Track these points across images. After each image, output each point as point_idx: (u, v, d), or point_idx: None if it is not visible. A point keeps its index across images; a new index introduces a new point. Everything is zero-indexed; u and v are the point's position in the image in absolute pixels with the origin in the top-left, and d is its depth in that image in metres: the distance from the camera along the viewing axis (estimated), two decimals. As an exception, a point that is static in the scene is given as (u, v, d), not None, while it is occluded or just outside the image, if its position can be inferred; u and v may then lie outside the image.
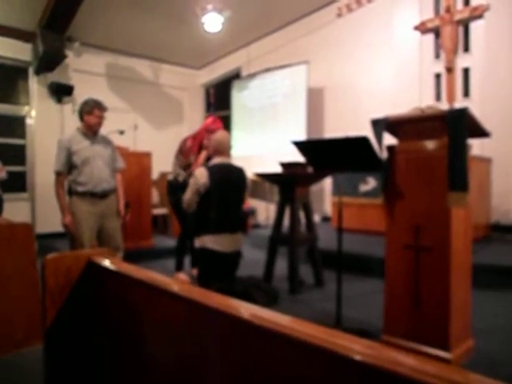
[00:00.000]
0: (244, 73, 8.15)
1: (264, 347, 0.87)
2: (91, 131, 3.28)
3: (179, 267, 4.26)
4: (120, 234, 3.42)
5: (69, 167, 3.21)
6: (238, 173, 3.28)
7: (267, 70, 7.26)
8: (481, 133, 2.39)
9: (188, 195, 3.12)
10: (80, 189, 3.19)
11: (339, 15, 6.68)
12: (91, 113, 3.25)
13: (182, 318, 1.11)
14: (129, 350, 1.37)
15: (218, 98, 8.21)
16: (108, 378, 1.51)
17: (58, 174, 3.22)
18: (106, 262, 1.48)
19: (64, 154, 3.18)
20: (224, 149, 3.25)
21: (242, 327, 0.91)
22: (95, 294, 1.54)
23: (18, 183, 6.74)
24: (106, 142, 3.43)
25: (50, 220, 6.60)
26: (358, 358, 0.69)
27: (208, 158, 3.66)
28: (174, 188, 4.21)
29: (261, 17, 6.97)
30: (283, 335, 0.82)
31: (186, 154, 4.20)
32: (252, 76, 7.63)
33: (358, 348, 0.72)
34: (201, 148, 4.17)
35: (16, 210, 6.20)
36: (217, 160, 3.22)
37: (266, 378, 0.88)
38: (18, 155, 6.79)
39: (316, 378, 0.77)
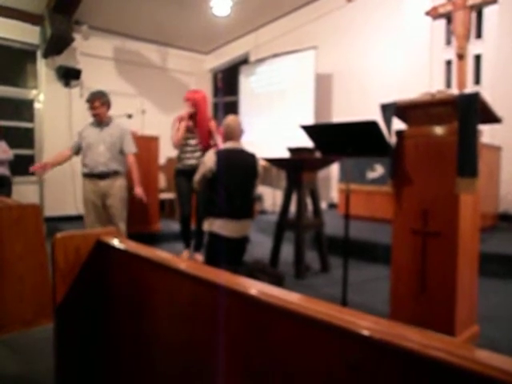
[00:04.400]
0: (252, 58, 8.08)
1: (271, 324, 0.88)
2: (96, 120, 3.77)
3: (187, 246, 4.38)
4: (121, 215, 3.73)
5: (79, 149, 3.79)
6: (249, 159, 3.24)
7: (275, 55, 7.19)
8: (492, 119, 2.36)
9: (197, 176, 3.22)
10: (84, 170, 3.75)
11: (349, 0, 6.58)
12: (88, 107, 3.76)
13: (189, 295, 1.12)
14: (137, 328, 1.38)
15: (226, 84, 8.15)
16: (117, 355, 1.54)
17: (70, 149, 3.84)
18: (115, 242, 1.50)
19: (78, 138, 3.82)
20: (234, 133, 3.22)
21: (250, 304, 0.92)
22: (104, 272, 1.56)
23: (27, 166, 6.76)
24: (117, 129, 3.75)
25: (58, 203, 6.68)
26: (365, 333, 0.70)
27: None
28: (176, 172, 4.32)
29: (270, 1, 6.87)
30: (291, 311, 0.82)
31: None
32: (260, 61, 7.57)
33: (365, 324, 0.72)
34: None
35: (24, 193, 6.26)
36: (227, 145, 3.22)
37: (274, 354, 0.88)
38: (26, 138, 6.81)
39: (323, 354, 0.78)
